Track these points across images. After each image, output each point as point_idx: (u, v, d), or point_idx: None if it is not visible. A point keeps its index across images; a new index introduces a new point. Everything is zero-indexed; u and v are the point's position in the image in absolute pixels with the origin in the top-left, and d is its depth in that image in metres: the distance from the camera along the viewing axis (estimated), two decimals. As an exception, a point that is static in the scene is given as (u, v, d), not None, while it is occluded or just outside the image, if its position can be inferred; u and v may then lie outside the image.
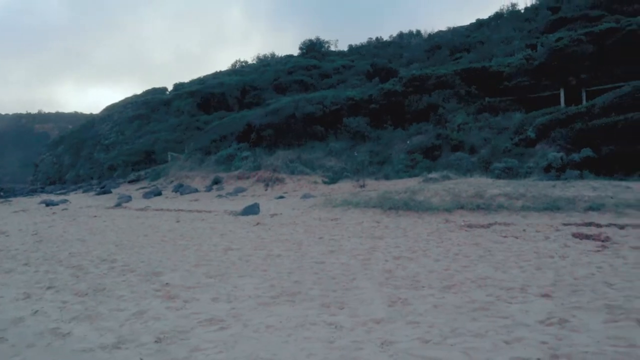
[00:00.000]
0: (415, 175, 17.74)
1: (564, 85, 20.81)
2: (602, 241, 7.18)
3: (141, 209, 16.90)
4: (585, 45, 21.10)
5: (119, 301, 5.03)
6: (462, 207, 10.67)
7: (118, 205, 19.02)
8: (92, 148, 45.81)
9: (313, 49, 57.47)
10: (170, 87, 58.79)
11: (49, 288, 5.70)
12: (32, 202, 23.28)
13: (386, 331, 3.83)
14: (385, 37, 61.29)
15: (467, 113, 22.39)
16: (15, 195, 31.65)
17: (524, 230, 8.51)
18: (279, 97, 36.79)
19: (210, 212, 14.60)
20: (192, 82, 56.29)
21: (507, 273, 5.59)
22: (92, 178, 39.10)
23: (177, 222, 12.57)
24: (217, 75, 58.09)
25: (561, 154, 15.04)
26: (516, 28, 39.10)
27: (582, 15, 30.10)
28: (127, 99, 59.09)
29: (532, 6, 44.91)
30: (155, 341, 3.82)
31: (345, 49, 60.53)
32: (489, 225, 9.09)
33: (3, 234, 11.25)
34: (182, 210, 15.77)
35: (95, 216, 15.19)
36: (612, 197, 9.89)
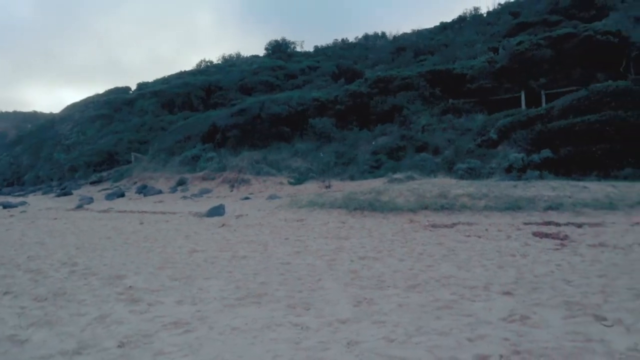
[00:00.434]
0: (380, 176, 17.86)
1: (525, 87, 21.36)
2: (561, 239, 7.41)
3: (103, 211, 16.44)
4: (544, 50, 21.78)
5: (80, 305, 4.83)
6: (426, 208, 10.80)
7: (79, 207, 18.44)
8: (52, 148, 44.17)
9: (279, 49, 57.19)
10: (133, 87, 57.24)
11: (5, 293, 5.42)
12: (-14, 205, 22.29)
13: (352, 331, 3.82)
14: (351, 39, 61.32)
15: (431, 114, 22.66)
16: (-32, 198, 30.25)
17: (487, 229, 8.69)
18: (244, 98, 36.42)
19: (174, 213, 14.32)
20: (156, 82, 54.78)
21: (470, 272, 5.69)
22: (52, 179, 37.67)
23: (141, 224, 12.28)
24: (181, 75, 56.63)
25: (522, 154, 15.43)
26: (479, 32, 39.97)
27: (542, 20, 31.15)
28: (88, 98, 56.77)
29: (495, 10, 46.20)
30: (118, 346, 3.69)
31: (311, 49, 60.22)
32: (453, 225, 9.24)
33: (-47, 238, 10.72)
34: (146, 211, 15.40)
35: (55, 218, 14.69)
36: (570, 197, 10.21)
